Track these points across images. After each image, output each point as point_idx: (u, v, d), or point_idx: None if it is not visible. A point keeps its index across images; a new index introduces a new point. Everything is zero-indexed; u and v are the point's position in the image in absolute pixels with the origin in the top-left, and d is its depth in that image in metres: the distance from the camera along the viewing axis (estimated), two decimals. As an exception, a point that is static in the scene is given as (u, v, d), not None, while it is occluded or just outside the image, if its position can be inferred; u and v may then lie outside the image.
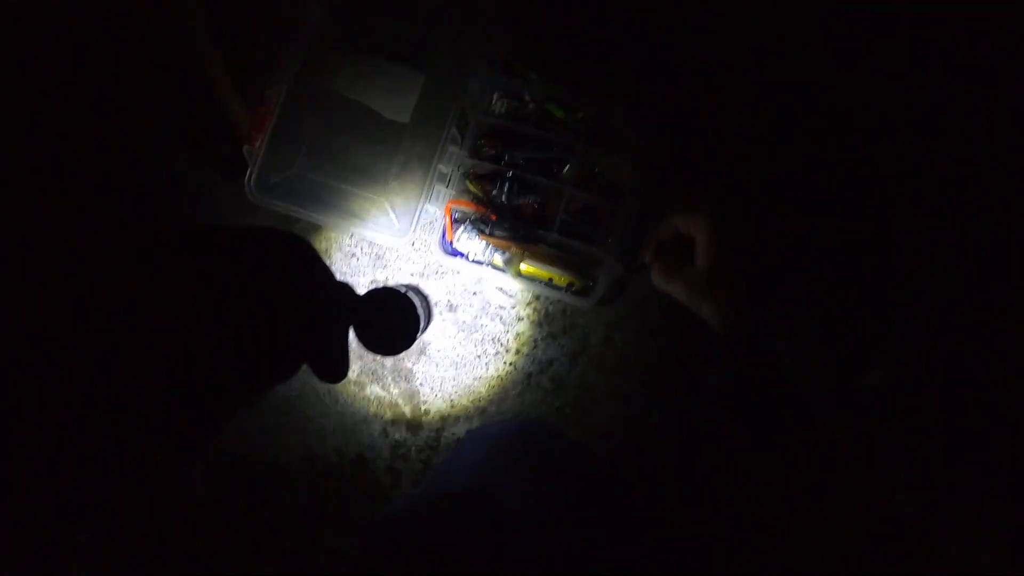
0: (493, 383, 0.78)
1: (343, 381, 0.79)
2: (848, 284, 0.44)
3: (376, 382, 0.80)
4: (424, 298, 0.71)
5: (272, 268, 0.28)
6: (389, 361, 0.79)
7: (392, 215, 0.73)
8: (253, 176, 0.71)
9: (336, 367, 0.32)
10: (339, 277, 0.80)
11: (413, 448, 0.79)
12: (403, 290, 0.58)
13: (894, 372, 0.37)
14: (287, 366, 0.29)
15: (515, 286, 0.76)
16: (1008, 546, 0.27)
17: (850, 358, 0.40)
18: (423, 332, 0.72)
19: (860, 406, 0.38)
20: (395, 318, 0.52)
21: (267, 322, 0.27)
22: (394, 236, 0.72)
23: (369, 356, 0.79)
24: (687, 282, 0.53)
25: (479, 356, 0.79)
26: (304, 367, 0.31)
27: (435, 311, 0.79)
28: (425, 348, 0.79)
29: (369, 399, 0.79)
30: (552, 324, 0.78)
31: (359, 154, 0.74)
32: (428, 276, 0.79)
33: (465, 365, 0.78)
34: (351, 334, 0.42)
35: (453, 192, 0.75)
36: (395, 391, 0.79)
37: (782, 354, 0.46)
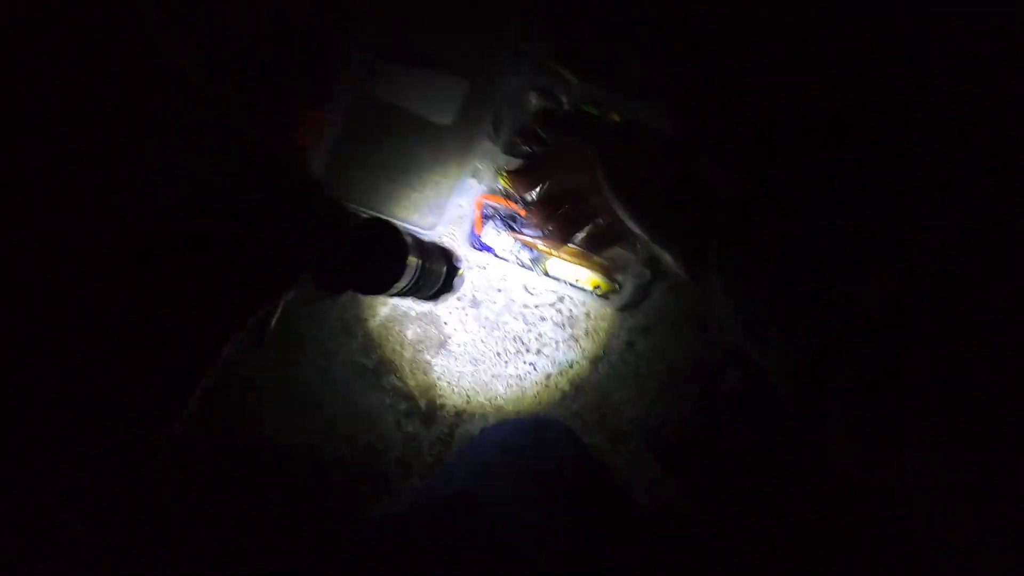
0: (511, 382, 0.78)
1: (360, 370, 0.80)
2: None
3: (393, 372, 0.79)
4: (448, 257, 0.69)
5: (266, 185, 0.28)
6: (408, 352, 0.79)
7: (426, 208, 0.77)
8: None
9: (335, 277, 0.32)
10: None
11: (426, 442, 0.79)
12: (409, 239, 0.56)
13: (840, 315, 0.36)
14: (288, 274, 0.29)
15: (541, 285, 0.76)
16: (1008, 550, 0.27)
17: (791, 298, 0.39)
18: (441, 297, 0.69)
19: (798, 349, 0.37)
20: (376, 256, 0.49)
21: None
22: (424, 229, 0.76)
23: (388, 346, 0.78)
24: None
25: (499, 354, 0.79)
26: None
27: (458, 302, 0.78)
28: (446, 342, 0.79)
29: (385, 389, 0.79)
30: (575, 326, 0.78)
31: (402, 155, 0.79)
32: (454, 269, 0.79)
33: (484, 361, 0.79)
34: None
35: (485, 187, 0.76)
36: (412, 383, 0.79)
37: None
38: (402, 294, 0.60)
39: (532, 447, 0.60)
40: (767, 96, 0.85)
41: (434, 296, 0.70)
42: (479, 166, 0.75)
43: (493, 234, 0.74)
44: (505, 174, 0.75)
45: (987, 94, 0.79)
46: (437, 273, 0.68)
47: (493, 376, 0.78)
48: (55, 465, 0.25)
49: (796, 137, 0.84)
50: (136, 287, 0.25)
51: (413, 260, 0.58)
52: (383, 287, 0.55)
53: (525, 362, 0.78)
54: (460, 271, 0.69)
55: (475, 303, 0.78)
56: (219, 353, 0.28)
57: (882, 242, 0.47)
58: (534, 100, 0.77)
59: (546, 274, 0.73)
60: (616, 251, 0.73)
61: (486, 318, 0.78)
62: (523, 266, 0.73)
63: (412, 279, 0.59)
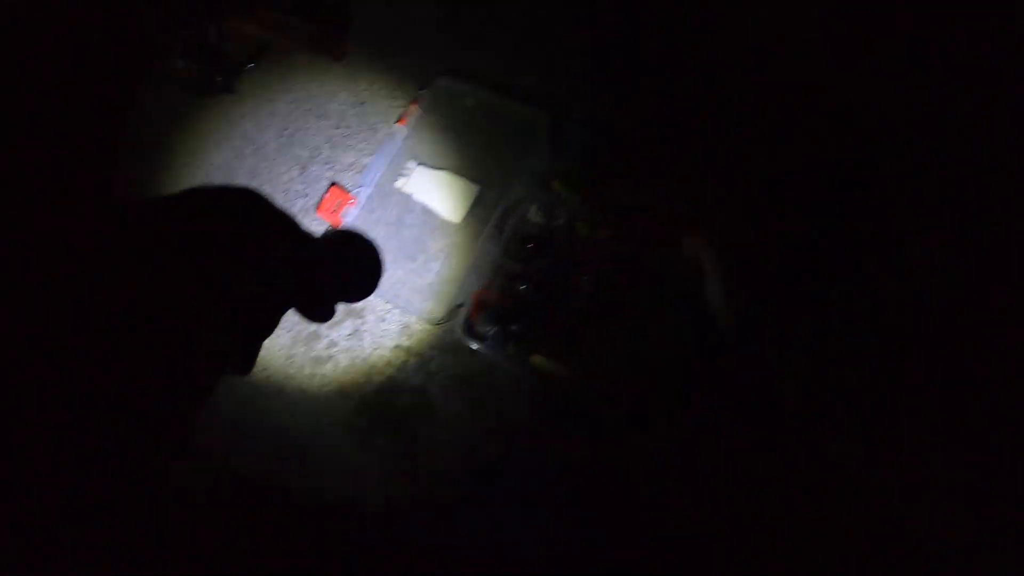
0: (490, 450, 0.85)
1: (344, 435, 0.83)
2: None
3: (382, 434, 0.86)
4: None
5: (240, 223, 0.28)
6: (397, 417, 0.86)
7: (429, 294, 0.88)
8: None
9: (321, 311, 0.33)
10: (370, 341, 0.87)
11: (406, 500, 0.83)
12: (364, 236, 0.57)
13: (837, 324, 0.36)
14: (275, 314, 0.29)
15: (524, 373, 0.84)
16: (1008, 550, 0.27)
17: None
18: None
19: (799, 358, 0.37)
20: (362, 261, 0.51)
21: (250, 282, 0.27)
22: (424, 314, 0.87)
23: (380, 410, 0.86)
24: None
25: (480, 431, 0.85)
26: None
27: (448, 378, 0.86)
28: (432, 412, 0.86)
29: (373, 448, 0.86)
30: (549, 407, 0.85)
31: (413, 240, 0.92)
32: (448, 351, 0.87)
33: (466, 433, 0.85)
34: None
35: (483, 283, 0.86)
36: (398, 446, 0.86)
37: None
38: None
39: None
40: (768, 97, 0.85)
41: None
42: (480, 263, 0.86)
43: (485, 325, 0.84)
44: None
45: (987, 94, 0.79)
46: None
47: (472, 446, 0.85)
48: (54, 467, 0.24)
49: (796, 137, 0.84)
50: (136, 287, 0.25)
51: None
52: (373, 286, 0.55)
53: (502, 440, 0.84)
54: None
55: (464, 381, 0.87)
56: (217, 378, 0.28)
57: (882, 242, 0.47)
58: (535, 212, 0.88)
59: (532, 365, 0.83)
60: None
61: (472, 399, 0.86)
62: (508, 357, 0.84)
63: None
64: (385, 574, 0.63)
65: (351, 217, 0.90)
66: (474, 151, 0.93)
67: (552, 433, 0.83)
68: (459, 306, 0.86)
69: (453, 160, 0.93)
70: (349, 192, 0.91)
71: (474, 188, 0.92)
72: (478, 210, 0.91)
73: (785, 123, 0.84)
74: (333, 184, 0.92)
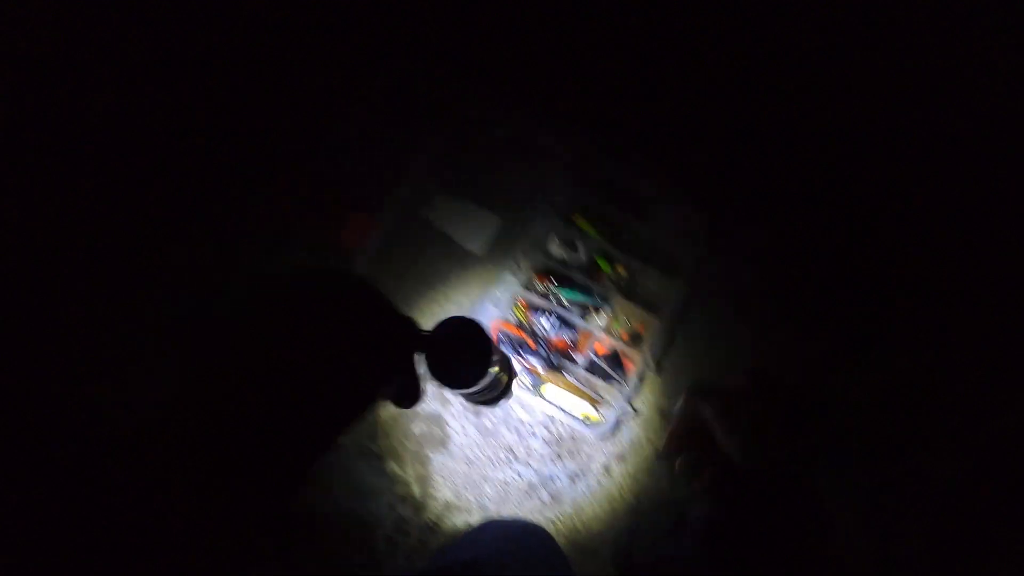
0: (498, 485, 0.86)
1: (352, 440, 0.83)
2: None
3: (394, 460, 0.86)
4: (508, 366, 0.68)
5: (336, 309, 0.28)
6: (411, 445, 0.86)
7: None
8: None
9: (410, 394, 0.32)
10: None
11: (415, 527, 0.84)
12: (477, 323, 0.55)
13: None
14: (363, 400, 0.29)
15: (536, 406, 0.85)
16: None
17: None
18: (498, 403, 0.69)
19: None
20: (466, 347, 0.47)
21: (339, 360, 0.27)
22: None
23: (395, 436, 0.86)
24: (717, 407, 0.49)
25: (491, 459, 0.86)
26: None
27: (476, 407, 0.85)
28: (446, 441, 0.86)
29: (385, 473, 0.86)
30: (560, 445, 0.87)
31: (435, 271, 0.94)
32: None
33: (477, 464, 0.86)
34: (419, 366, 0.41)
35: (501, 314, 0.88)
36: (410, 472, 0.86)
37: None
38: (473, 394, 0.59)
39: (526, 539, 0.64)
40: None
41: (492, 401, 0.69)
42: (499, 295, 0.88)
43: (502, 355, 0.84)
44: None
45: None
46: (501, 379, 0.67)
47: (483, 477, 0.85)
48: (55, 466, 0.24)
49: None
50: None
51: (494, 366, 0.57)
52: (470, 381, 0.53)
53: (513, 470, 0.86)
54: (515, 377, 0.69)
55: (477, 412, 0.87)
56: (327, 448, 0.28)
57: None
58: (555, 246, 0.89)
59: (542, 396, 0.84)
60: (607, 386, 0.85)
61: (485, 427, 0.86)
62: (523, 387, 0.84)
63: (489, 381, 0.58)
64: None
65: (375, 242, 0.91)
66: (497, 182, 0.94)
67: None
68: None
69: (476, 190, 0.94)
70: (371, 213, 0.92)
71: (496, 220, 0.92)
72: (500, 241, 0.92)
73: (784, 124, 0.84)
74: (352, 208, 0.92)
